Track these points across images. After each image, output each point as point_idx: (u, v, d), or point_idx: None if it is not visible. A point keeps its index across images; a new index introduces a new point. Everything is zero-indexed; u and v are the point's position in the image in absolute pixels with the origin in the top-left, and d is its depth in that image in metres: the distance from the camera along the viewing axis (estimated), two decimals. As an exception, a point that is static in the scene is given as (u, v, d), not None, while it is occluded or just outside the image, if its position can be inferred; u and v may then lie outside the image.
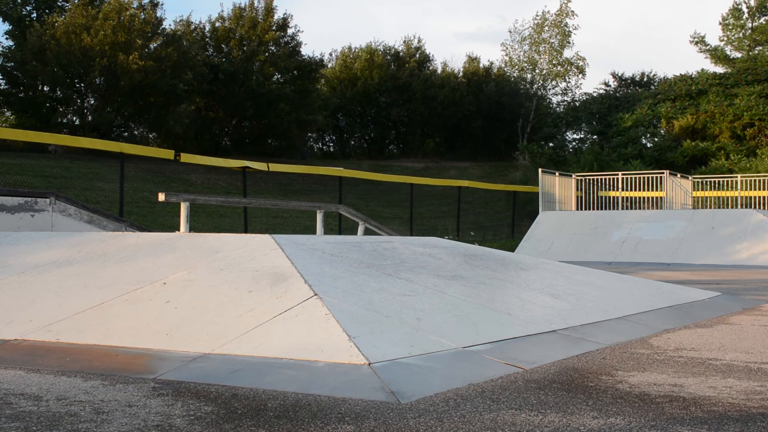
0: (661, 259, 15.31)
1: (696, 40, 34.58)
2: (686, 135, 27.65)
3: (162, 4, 28.90)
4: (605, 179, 20.41)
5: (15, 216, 9.12)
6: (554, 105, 37.26)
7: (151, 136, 29.76)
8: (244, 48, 30.60)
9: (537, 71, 36.67)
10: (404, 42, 38.90)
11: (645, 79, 37.03)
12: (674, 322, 5.25)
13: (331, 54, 40.36)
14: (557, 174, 19.58)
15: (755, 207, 19.61)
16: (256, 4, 31.73)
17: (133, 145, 19.31)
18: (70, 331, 3.95)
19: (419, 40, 39.42)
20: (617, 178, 19.96)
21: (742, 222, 15.69)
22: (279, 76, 31.82)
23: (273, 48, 31.43)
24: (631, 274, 8.20)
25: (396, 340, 3.55)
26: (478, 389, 3.01)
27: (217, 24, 31.71)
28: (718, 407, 2.74)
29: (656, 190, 19.74)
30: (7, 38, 27.06)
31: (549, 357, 3.75)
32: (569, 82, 37.53)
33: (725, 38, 34.52)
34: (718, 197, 21.07)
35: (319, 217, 10.09)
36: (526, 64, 37.00)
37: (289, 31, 32.35)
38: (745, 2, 34.20)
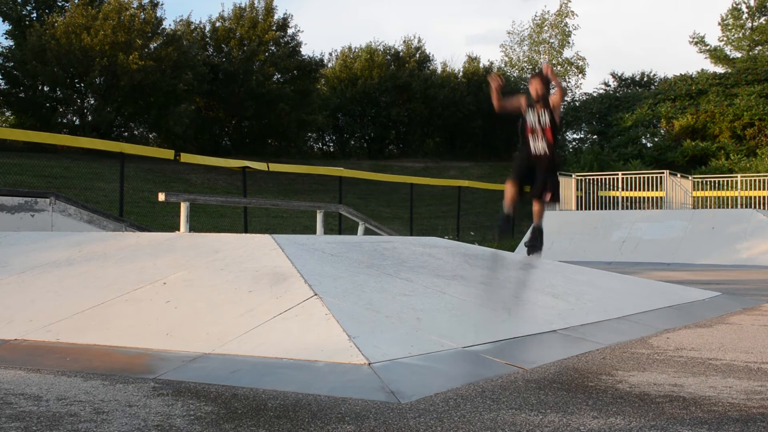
0: (661, 259, 15.30)
1: (696, 40, 34.60)
2: (686, 135, 27.66)
3: (162, 4, 28.94)
4: (605, 179, 20.40)
5: (15, 216, 9.13)
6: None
7: (151, 136, 29.77)
8: (244, 48, 30.60)
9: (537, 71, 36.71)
10: (404, 42, 38.94)
11: (645, 79, 37.04)
12: (674, 321, 5.25)
13: (331, 54, 40.42)
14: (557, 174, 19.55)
15: (755, 207, 19.61)
16: (256, 4, 31.75)
17: (133, 145, 19.30)
18: (70, 331, 3.95)
19: (419, 40, 39.48)
20: (617, 178, 19.96)
21: (742, 222, 15.68)
22: (279, 76, 31.83)
23: (273, 48, 31.44)
24: (631, 274, 8.20)
25: (396, 340, 3.55)
26: (478, 389, 3.01)
27: (217, 24, 31.72)
28: (718, 407, 2.74)
29: (656, 190, 19.74)
30: (7, 38, 27.08)
31: (549, 357, 3.75)
32: (569, 82, 37.57)
33: (725, 38, 34.55)
34: (718, 197, 21.07)
35: (319, 217, 10.10)
36: (526, 64, 37.02)
37: (289, 31, 32.38)
38: (744, 2, 34.22)
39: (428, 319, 4.00)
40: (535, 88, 6.42)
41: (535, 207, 6.65)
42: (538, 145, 6.43)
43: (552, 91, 6.48)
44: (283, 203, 11.46)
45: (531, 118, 6.44)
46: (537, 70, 6.99)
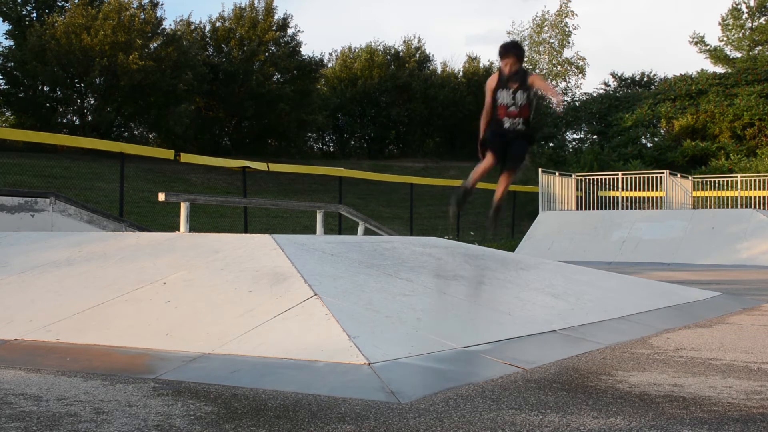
0: (661, 259, 15.30)
1: (696, 40, 34.57)
2: (686, 135, 27.64)
3: (162, 4, 28.94)
4: (605, 179, 20.40)
5: (15, 216, 9.13)
6: (554, 105, 37.25)
7: (151, 136, 29.77)
8: (244, 48, 30.59)
9: (537, 71, 36.69)
10: (404, 42, 38.93)
11: (645, 79, 37.02)
12: (674, 321, 5.25)
13: (331, 54, 40.42)
14: (557, 174, 19.58)
15: (755, 207, 19.61)
16: (256, 4, 31.75)
17: (133, 145, 19.32)
18: (70, 331, 3.95)
19: (419, 40, 39.47)
20: (617, 178, 19.96)
21: (742, 222, 15.68)
22: (279, 76, 31.83)
23: (273, 48, 31.43)
24: (631, 274, 8.20)
25: (396, 340, 3.55)
26: (478, 389, 3.01)
27: (218, 24, 31.72)
28: (718, 407, 2.74)
29: (656, 190, 19.74)
30: (7, 38, 27.08)
31: (549, 357, 3.75)
32: (569, 82, 37.54)
33: (725, 38, 34.52)
34: (718, 197, 21.07)
35: (319, 217, 10.10)
36: (525, 65, 37.03)
37: (289, 31, 32.38)
38: (744, 2, 34.20)
39: (428, 319, 4.00)
40: (508, 64, 5.71)
41: (504, 181, 6.11)
42: (513, 122, 5.82)
43: (530, 69, 6.05)
44: (283, 203, 11.47)
45: (505, 98, 5.78)
46: (508, 43, 5.97)
